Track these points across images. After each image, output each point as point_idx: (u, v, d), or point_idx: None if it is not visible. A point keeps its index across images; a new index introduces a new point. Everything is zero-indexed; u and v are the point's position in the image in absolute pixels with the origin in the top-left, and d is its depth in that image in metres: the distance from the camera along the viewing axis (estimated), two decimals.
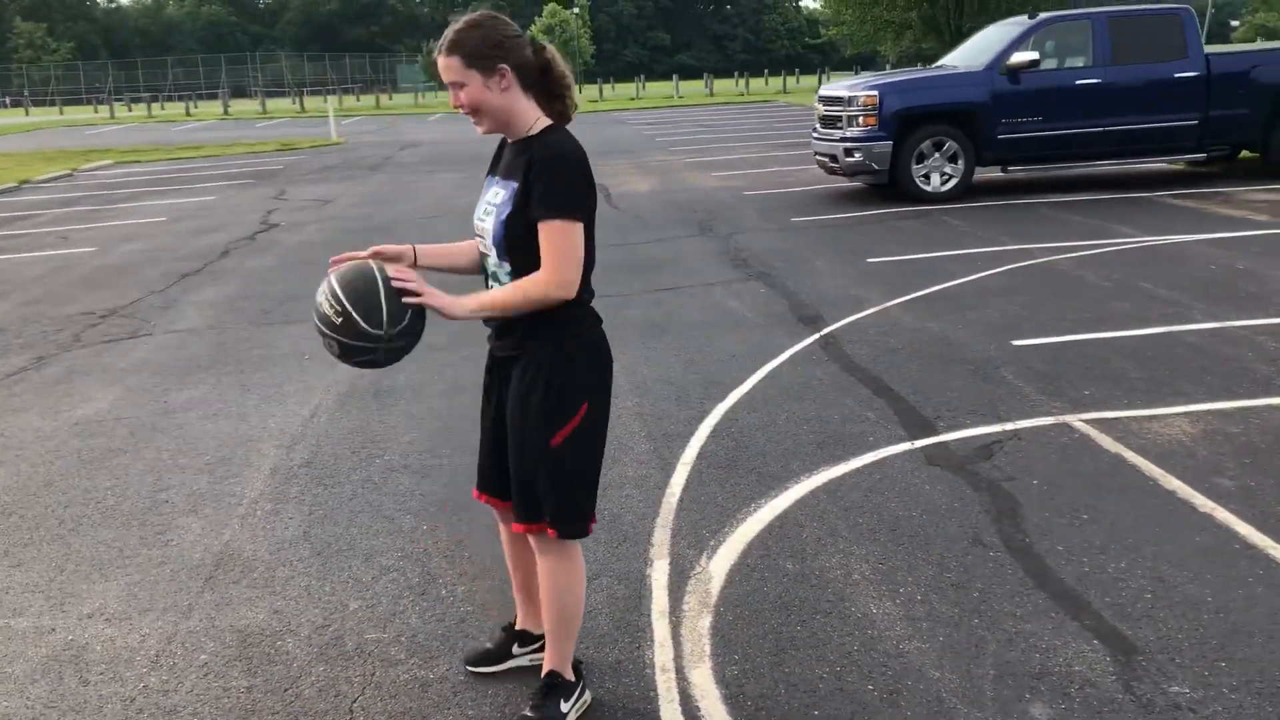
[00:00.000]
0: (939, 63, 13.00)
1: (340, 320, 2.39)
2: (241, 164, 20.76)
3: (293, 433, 5.03)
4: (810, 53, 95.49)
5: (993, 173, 11.94)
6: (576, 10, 74.53)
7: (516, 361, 2.59)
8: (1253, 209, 9.89)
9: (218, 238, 11.24)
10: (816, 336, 6.21)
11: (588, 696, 2.81)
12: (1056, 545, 3.54)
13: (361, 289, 2.41)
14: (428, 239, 10.46)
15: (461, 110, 2.50)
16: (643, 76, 51.83)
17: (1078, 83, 11.24)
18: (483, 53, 2.43)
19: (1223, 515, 3.68)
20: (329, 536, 3.90)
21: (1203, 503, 3.79)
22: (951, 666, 2.88)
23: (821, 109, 11.96)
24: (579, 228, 2.43)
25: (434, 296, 2.44)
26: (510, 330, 2.59)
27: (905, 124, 11.10)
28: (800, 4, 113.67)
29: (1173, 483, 3.97)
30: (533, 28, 69.25)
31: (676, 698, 2.82)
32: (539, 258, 2.45)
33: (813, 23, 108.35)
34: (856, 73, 45.88)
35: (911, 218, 10.37)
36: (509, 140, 2.61)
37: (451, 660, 3.04)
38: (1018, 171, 11.79)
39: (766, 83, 55.87)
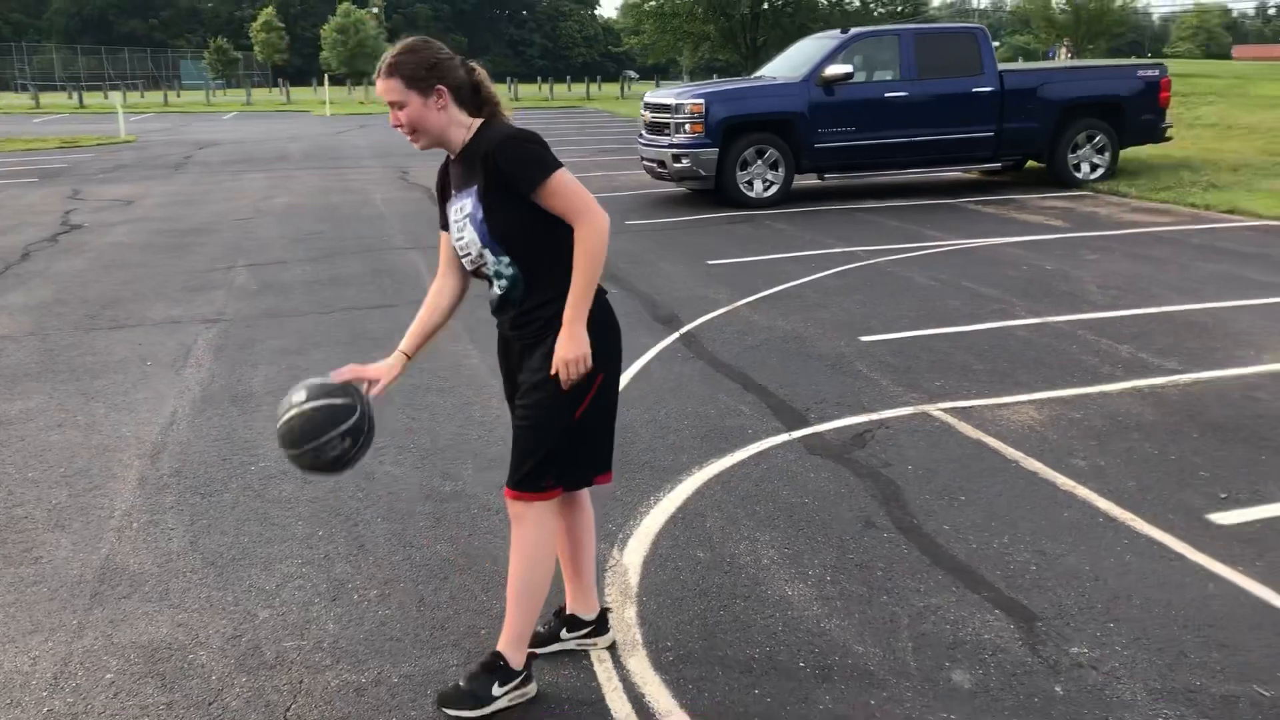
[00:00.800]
0: (758, 73, 13.48)
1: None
2: (20, 161, 19.30)
3: (153, 441, 4.76)
4: (606, 60, 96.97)
5: (811, 179, 12.47)
6: (376, 10, 72.71)
7: (538, 347, 2.66)
8: (1046, 215, 10.72)
9: (13, 239, 10.44)
10: (677, 335, 6.35)
11: (531, 689, 2.81)
12: (943, 525, 3.78)
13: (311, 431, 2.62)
14: (250, 240, 10.15)
15: (400, 129, 2.63)
16: None
17: (887, 95, 11.90)
18: (420, 75, 2.58)
19: (1083, 492, 4.02)
20: (218, 546, 3.73)
21: (1064, 482, 4.12)
22: (873, 641, 3.04)
23: (649, 116, 12.19)
24: (564, 171, 2.58)
25: (568, 363, 2.56)
26: (529, 319, 2.67)
27: (730, 132, 11.45)
28: (595, 13, 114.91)
29: (1033, 464, 4.30)
30: (325, 27, 67.16)
31: (619, 685, 2.86)
32: (530, 238, 2.60)
33: (609, 31, 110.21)
34: (657, 83, 46.79)
35: (740, 222, 10.72)
36: (451, 158, 2.74)
37: (382, 664, 2.98)
38: (834, 178, 12.36)
39: (569, 89, 56.19)
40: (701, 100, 11.45)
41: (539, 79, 61.36)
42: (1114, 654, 2.95)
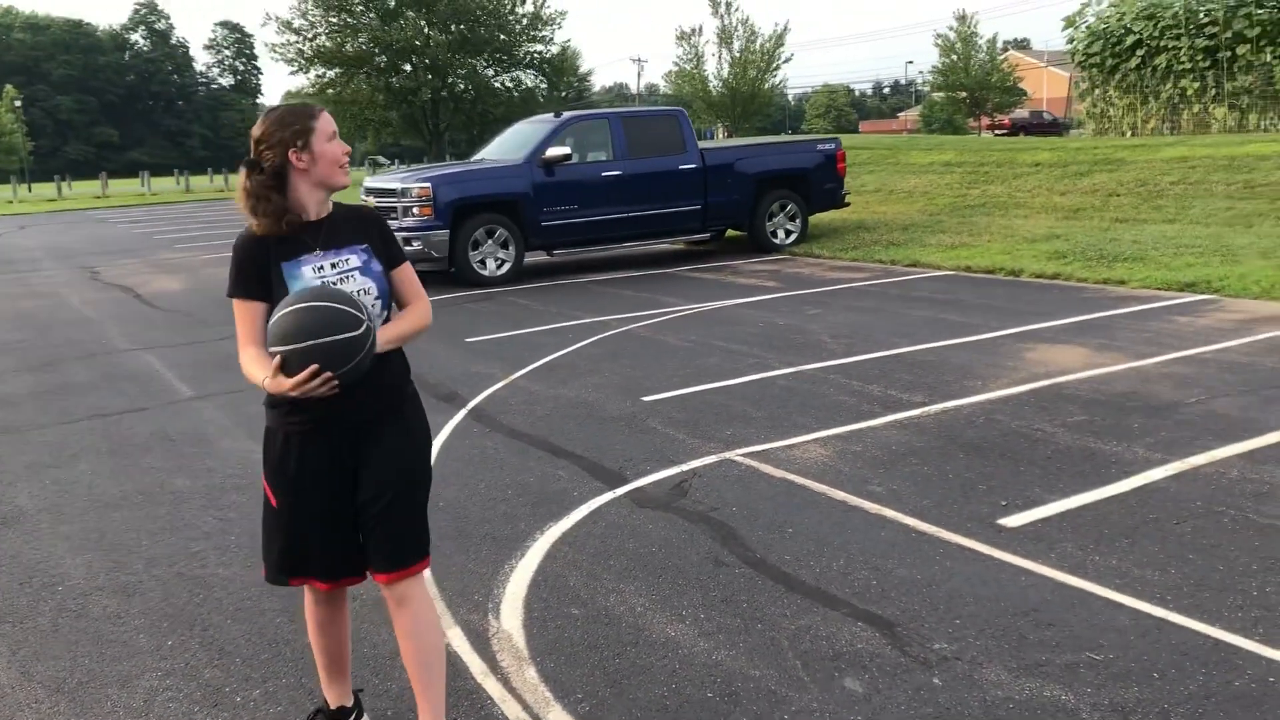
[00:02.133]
0: (477, 156, 13.77)
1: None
2: None
3: None
4: None
5: (541, 256, 12.84)
6: (19, 104, 66.97)
7: (397, 413, 2.77)
8: (759, 277, 11.64)
9: None
10: (466, 411, 6.41)
11: None
12: (784, 555, 4.11)
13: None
14: None
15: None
16: (105, 174, 47.88)
17: (603, 174, 12.53)
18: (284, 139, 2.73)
19: (890, 514, 4.49)
20: (57, 672, 3.44)
21: (871, 506, 4.58)
22: (765, 664, 3.29)
23: (372, 201, 12.15)
24: None
25: None
26: (382, 391, 2.73)
27: (459, 213, 11.64)
28: (259, 101, 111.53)
29: (839, 494, 4.74)
30: None
31: None
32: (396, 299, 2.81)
33: None
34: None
35: (482, 300, 10.88)
36: (303, 219, 2.67)
37: None
38: (562, 254, 12.80)
39: None
40: (429, 184, 11.58)
41: (209, 170, 58.69)
42: (970, 645, 3.35)
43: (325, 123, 2.66)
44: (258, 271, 2.64)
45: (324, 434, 2.68)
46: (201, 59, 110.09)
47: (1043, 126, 51.67)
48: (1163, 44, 21.60)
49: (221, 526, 4.70)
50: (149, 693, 3.28)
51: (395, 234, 2.87)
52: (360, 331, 2.46)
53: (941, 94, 64.41)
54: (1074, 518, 4.34)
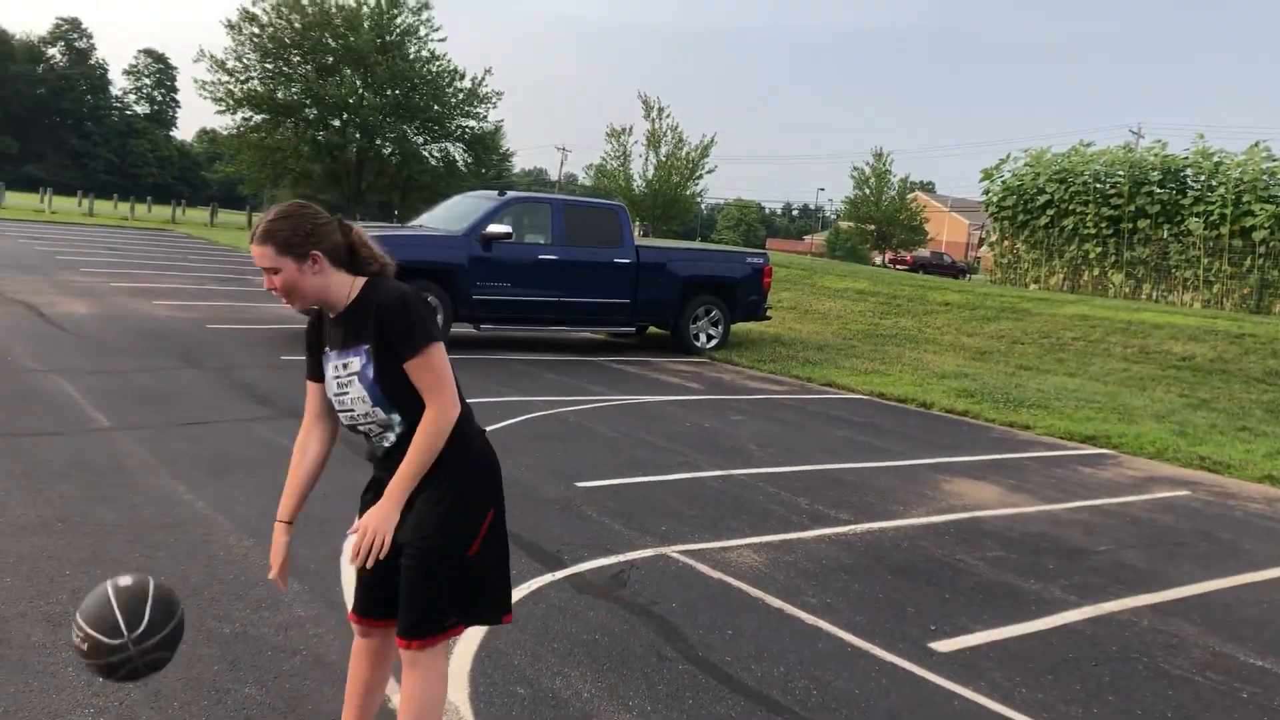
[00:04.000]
0: (416, 222, 13.78)
1: (86, 645, 2.43)
2: None
3: None
4: (179, 184, 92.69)
5: (466, 328, 12.84)
6: None
7: (421, 491, 2.67)
8: (682, 377, 11.83)
9: None
10: None
11: None
12: (725, 656, 4.16)
13: (93, 607, 2.46)
14: None
15: (275, 292, 2.65)
16: (2, 184, 46.13)
17: (540, 257, 12.67)
18: (295, 242, 2.59)
19: (826, 626, 4.59)
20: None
21: (807, 617, 4.67)
22: None
23: None
24: (441, 347, 2.65)
25: (374, 535, 2.60)
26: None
27: (395, 277, 11.57)
28: (171, 135, 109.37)
29: (775, 601, 4.83)
30: None
31: None
32: (417, 393, 2.63)
33: (184, 154, 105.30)
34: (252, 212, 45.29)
35: None
36: (329, 315, 2.73)
37: None
38: (488, 329, 12.82)
39: (150, 210, 52.60)
40: None
41: (115, 196, 57.09)
42: None
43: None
44: (313, 354, 2.79)
45: (373, 486, 2.79)
46: (120, 83, 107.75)
47: (942, 268, 53.99)
48: (1072, 207, 22.97)
49: (149, 564, 4.55)
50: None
51: (408, 327, 2.57)
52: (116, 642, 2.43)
53: (850, 223, 66.84)
54: (1000, 649, 4.50)
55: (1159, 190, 21.62)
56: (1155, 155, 22.64)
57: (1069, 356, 15.37)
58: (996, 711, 3.87)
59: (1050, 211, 23.26)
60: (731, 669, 4.05)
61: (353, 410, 2.68)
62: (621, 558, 5.23)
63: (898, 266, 55.23)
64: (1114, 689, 4.19)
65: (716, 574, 5.12)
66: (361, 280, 2.66)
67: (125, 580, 2.48)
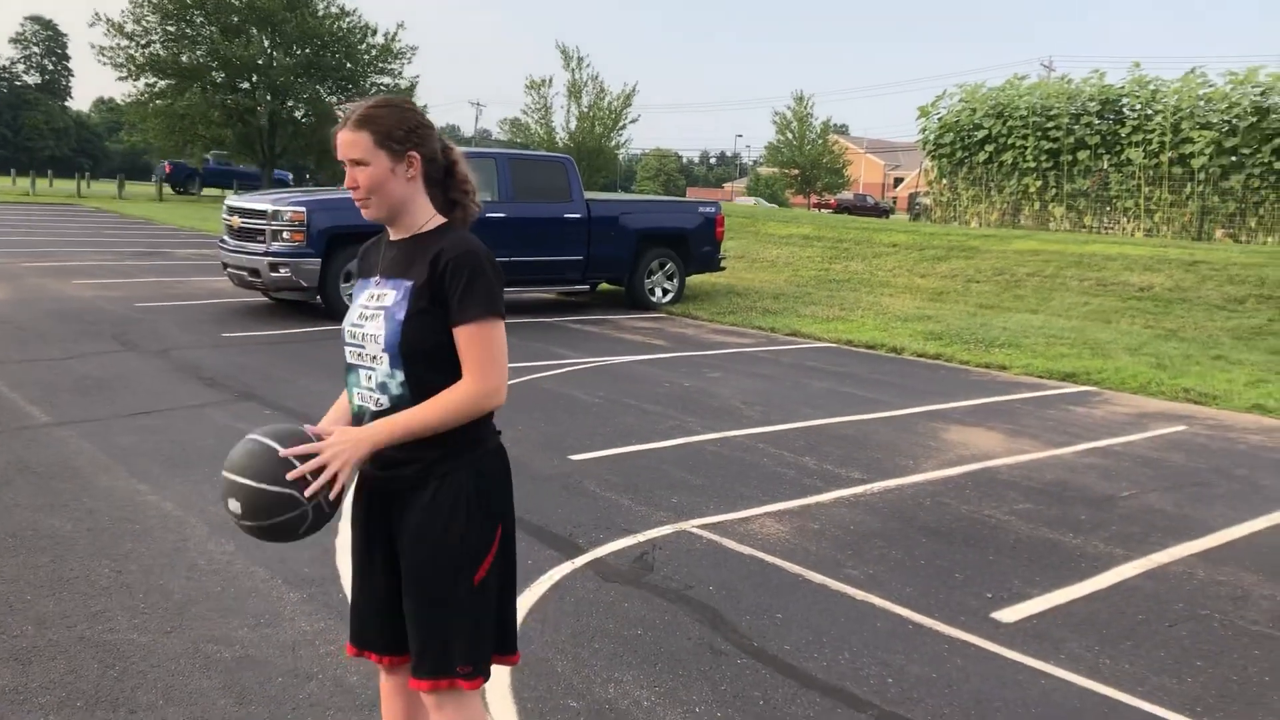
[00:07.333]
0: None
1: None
2: None
3: None
4: (80, 156, 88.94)
5: None
6: None
7: (420, 490, 2.23)
8: (644, 335, 11.39)
9: None
10: None
11: None
12: (783, 645, 3.78)
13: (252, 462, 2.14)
14: None
15: (353, 191, 2.24)
16: None
17: (488, 215, 12.05)
18: (397, 135, 2.23)
19: (878, 602, 4.23)
20: None
21: (855, 593, 4.31)
22: None
23: (237, 221, 11.29)
24: (502, 326, 2.24)
25: (332, 463, 2.14)
26: (414, 454, 2.22)
27: (333, 242, 10.94)
28: (66, 106, 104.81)
29: (816, 577, 4.45)
30: None
31: None
32: (440, 364, 2.21)
33: (81, 125, 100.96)
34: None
35: None
36: (390, 238, 2.35)
37: None
38: None
39: (51, 184, 50.18)
40: (302, 209, 10.84)
41: (12, 172, 54.42)
42: None
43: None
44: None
45: (363, 496, 2.35)
46: (6, 53, 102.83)
47: (865, 209, 54.35)
48: (1011, 141, 22.85)
49: (121, 580, 4.01)
50: None
51: (474, 287, 2.18)
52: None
53: (773, 169, 66.72)
54: (1065, 614, 4.18)
55: (1098, 121, 21.61)
56: (1093, 86, 22.60)
57: (1027, 293, 15.24)
58: (1091, 689, 3.55)
59: (989, 147, 23.15)
60: (794, 660, 3.66)
61: (362, 347, 2.26)
62: (640, 537, 4.81)
63: (823, 210, 55.31)
64: (1198, 653, 3.89)
65: (746, 549, 4.72)
66: (440, 219, 2.31)
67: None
